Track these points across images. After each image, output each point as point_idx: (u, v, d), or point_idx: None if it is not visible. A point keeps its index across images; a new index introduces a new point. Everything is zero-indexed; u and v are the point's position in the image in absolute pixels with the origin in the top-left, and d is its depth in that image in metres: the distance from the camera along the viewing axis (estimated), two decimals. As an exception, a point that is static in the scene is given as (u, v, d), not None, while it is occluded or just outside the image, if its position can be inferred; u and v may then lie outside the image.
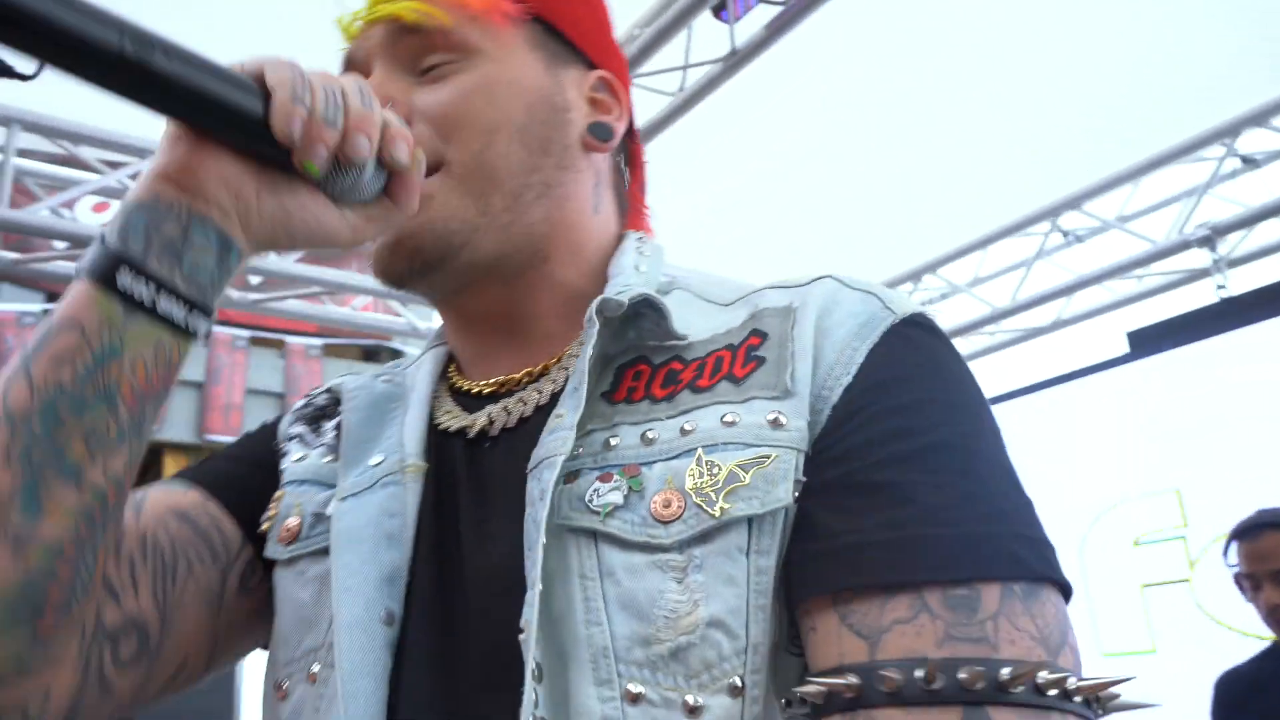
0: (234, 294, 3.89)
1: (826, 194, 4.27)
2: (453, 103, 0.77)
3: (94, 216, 5.48)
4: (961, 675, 0.54)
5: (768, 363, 0.69)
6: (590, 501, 0.66)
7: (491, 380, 0.81)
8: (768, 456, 0.64)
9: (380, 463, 0.77)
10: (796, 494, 0.63)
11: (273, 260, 3.74)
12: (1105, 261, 4.19)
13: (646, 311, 0.74)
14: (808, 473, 0.64)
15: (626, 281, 0.77)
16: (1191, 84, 3.69)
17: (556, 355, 0.80)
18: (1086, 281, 4.21)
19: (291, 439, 0.87)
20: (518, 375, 0.80)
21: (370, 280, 4.21)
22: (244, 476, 0.84)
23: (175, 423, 5.77)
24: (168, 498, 0.78)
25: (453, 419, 0.80)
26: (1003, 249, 4.66)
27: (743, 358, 0.70)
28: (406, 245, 0.76)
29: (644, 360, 0.74)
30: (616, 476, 0.67)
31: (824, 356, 0.68)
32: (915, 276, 4.90)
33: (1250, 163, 3.91)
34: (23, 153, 3.50)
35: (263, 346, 6.22)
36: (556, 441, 0.68)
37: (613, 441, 0.69)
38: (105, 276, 0.63)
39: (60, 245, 3.67)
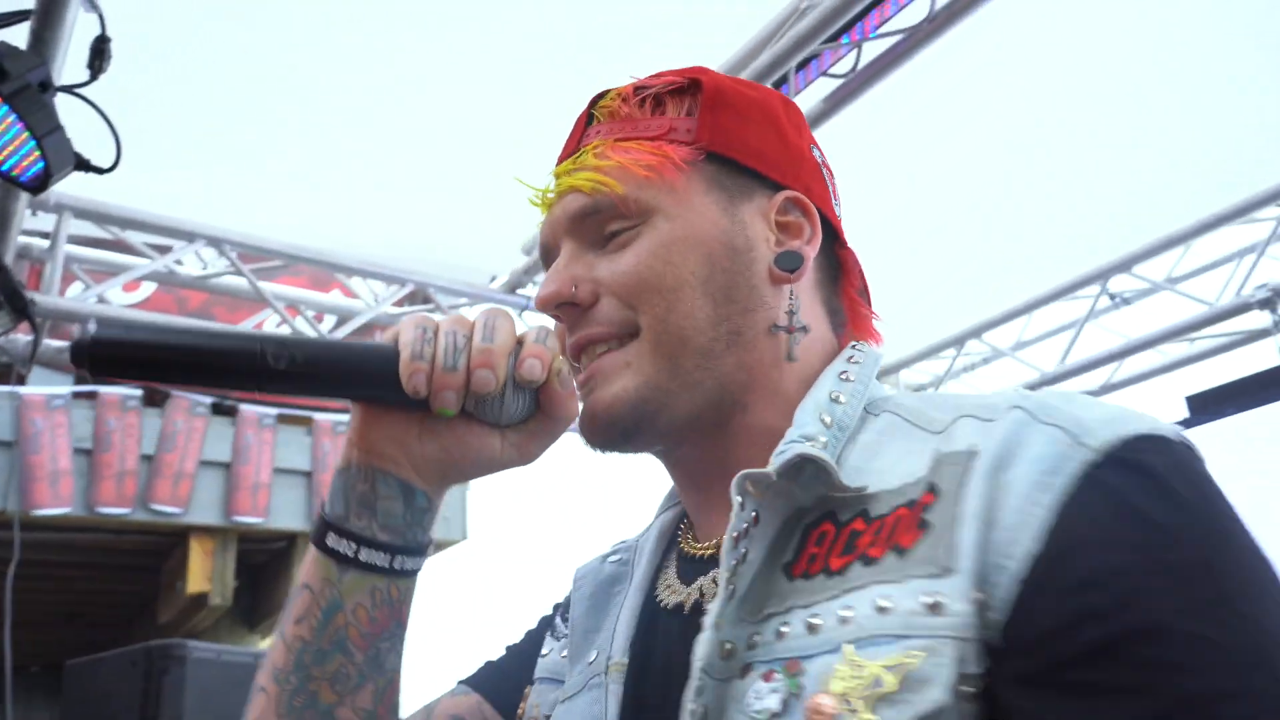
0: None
1: (868, 258, 4.23)
2: (633, 270, 0.76)
3: (125, 296, 5.46)
4: None
5: (934, 530, 0.61)
6: (750, 706, 0.62)
7: (710, 542, 0.78)
8: (917, 655, 0.56)
9: (594, 660, 0.77)
10: (970, 688, 0.55)
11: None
12: (1156, 325, 4.13)
13: (808, 468, 0.68)
14: (998, 660, 0.56)
15: (803, 431, 0.71)
16: (1241, 146, 3.66)
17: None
18: (1139, 345, 4.14)
19: (549, 631, 0.90)
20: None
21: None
22: (515, 672, 0.88)
23: (201, 504, 5.66)
24: (451, 704, 0.87)
25: (670, 593, 0.78)
26: (1048, 313, 4.60)
27: (913, 522, 0.62)
28: (603, 418, 0.76)
29: (831, 518, 0.68)
30: (778, 675, 0.62)
31: (1001, 517, 0.58)
32: (958, 342, 4.84)
33: (1302, 223, 3.87)
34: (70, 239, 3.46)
35: (290, 424, 6.13)
36: (702, 648, 0.64)
37: (783, 630, 0.63)
38: (320, 541, 0.74)
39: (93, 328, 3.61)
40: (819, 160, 0.86)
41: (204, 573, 5.66)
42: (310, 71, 3.19)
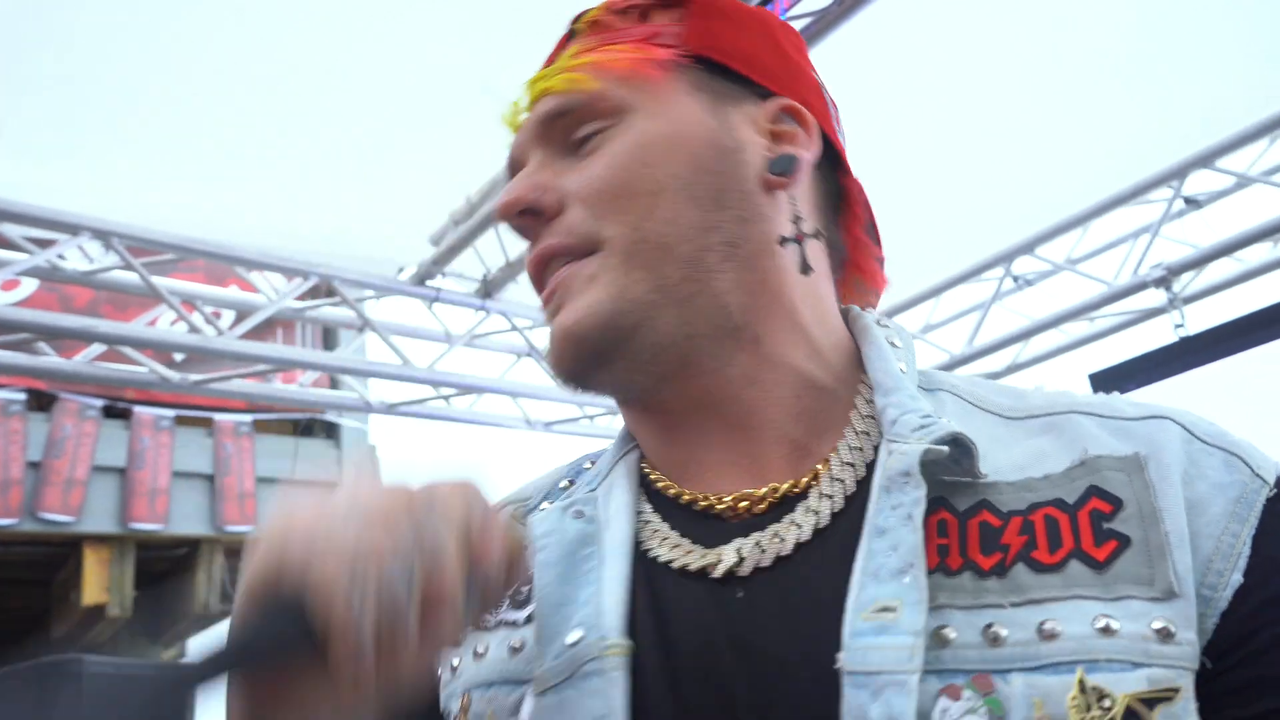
0: (172, 375, 3.64)
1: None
2: (604, 176, 0.66)
3: (3, 295, 5.15)
4: None
5: (1134, 545, 0.56)
6: None
7: (727, 496, 0.65)
8: (1176, 689, 0.52)
9: (577, 642, 0.60)
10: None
11: (216, 339, 3.51)
12: (1058, 306, 4.24)
13: (951, 449, 0.59)
14: (1201, 698, 0.53)
15: (908, 403, 0.63)
16: (1136, 130, 3.77)
17: (810, 470, 0.64)
18: (1042, 325, 4.24)
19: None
20: (760, 492, 0.64)
21: (314, 355, 4.02)
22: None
23: (96, 512, 5.40)
24: None
25: (681, 554, 0.64)
26: (955, 296, 4.69)
27: (1091, 530, 0.57)
28: (570, 338, 0.65)
29: (945, 505, 0.59)
30: (967, 692, 0.52)
31: (1200, 543, 0.56)
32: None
33: (1193, 203, 4.01)
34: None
35: (189, 426, 5.89)
36: (898, 651, 0.52)
37: (947, 633, 0.54)
38: None
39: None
40: (819, 82, 0.77)
41: (100, 583, 5.40)
42: (202, 53, 3.03)
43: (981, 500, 0.59)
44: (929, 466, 0.58)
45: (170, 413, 5.78)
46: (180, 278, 4.23)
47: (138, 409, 5.69)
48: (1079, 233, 4.25)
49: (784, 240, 0.68)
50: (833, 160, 0.75)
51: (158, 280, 3.49)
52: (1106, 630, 0.53)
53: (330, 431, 6.46)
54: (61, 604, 5.95)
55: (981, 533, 0.58)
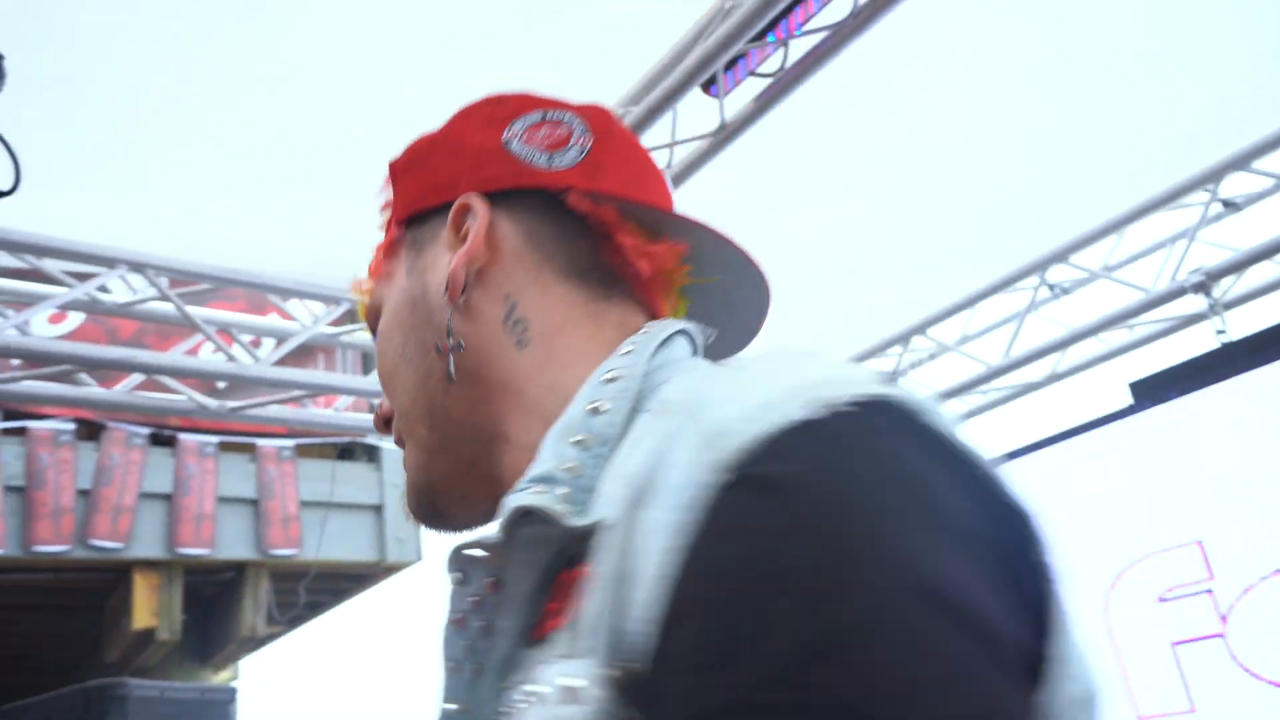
0: (211, 403, 3.71)
1: (808, 260, 4.22)
2: (384, 386, 0.75)
3: (51, 328, 5.29)
4: None
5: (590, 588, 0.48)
6: None
7: None
8: None
9: None
10: None
11: (252, 366, 3.57)
12: (1096, 314, 4.16)
13: (533, 516, 0.55)
14: None
15: (541, 469, 0.57)
16: (1169, 133, 3.71)
17: None
18: (1080, 334, 4.17)
19: None
20: None
21: (350, 380, 4.06)
22: None
23: (144, 538, 5.51)
24: None
25: None
26: (991, 306, 4.63)
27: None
28: (413, 512, 0.74)
29: (584, 561, 0.51)
30: None
31: (638, 570, 0.45)
32: (904, 339, 4.85)
33: (1231, 206, 3.93)
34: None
35: (233, 452, 5.99)
36: None
37: (514, 701, 0.54)
38: None
39: (15, 363, 3.49)
40: (516, 132, 0.74)
41: (150, 608, 5.50)
42: (231, 87, 3.10)
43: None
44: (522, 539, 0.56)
45: (214, 439, 5.88)
46: (221, 307, 4.31)
47: (182, 436, 5.80)
48: (1115, 239, 4.18)
49: (437, 351, 0.70)
50: (553, 194, 0.72)
51: (195, 310, 3.57)
52: (570, 691, 0.47)
53: (371, 455, 6.53)
54: (113, 629, 6.07)
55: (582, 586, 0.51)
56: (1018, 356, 4.40)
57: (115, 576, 5.82)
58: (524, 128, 0.74)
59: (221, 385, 5.01)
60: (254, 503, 5.91)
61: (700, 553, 0.42)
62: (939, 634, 0.39)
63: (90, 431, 5.60)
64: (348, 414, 4.21)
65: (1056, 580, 0.47)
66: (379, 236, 0.78)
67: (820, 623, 0.39)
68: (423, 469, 0.70)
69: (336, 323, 4.06)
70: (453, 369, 0.68)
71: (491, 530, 0.58)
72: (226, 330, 3.80)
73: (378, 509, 6.35)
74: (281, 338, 3.92)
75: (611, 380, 0.62)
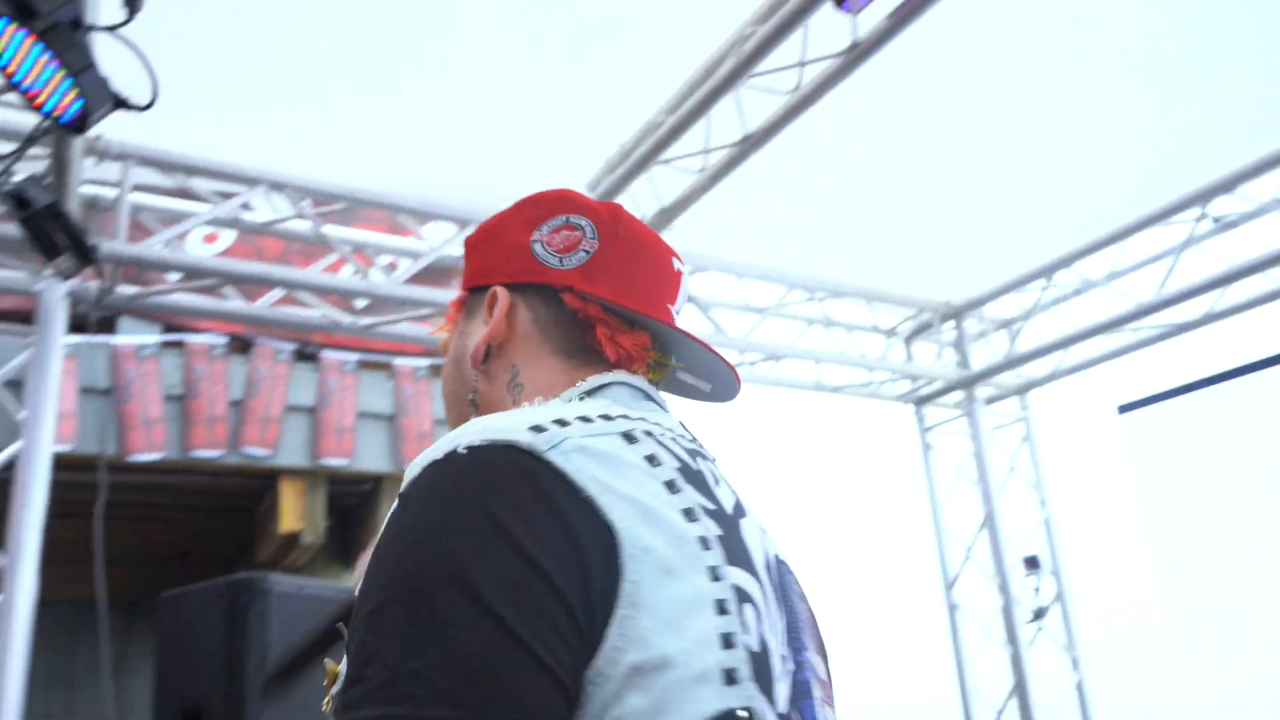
0: (344, 319, 3.85)
1: (942, 188, 4.02)
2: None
3: (205, 247, 5.58)
4: None
5: None
6: None
7: None
8: None
9: None
10: None
11: (382, 283, 3.68)
12: (1263, 249, 3.85)
13: None
14: None
15: None
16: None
17: None
18: (1244, 271, 3.87)
19: None
20: None
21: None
22: None
23: (290, 448, 5.81)
24: None
25: None
26: (1144, 239, 4.34)
27: None
28: None
29: None
30: None
31: None
32: (1047, 273, 4.61)
33: None
34: (137, 187, 3.52)
35: (372, 370, 6.23)
36: None
37: None
38: None
39: (174, 277, 3.69)
40: (541, 235, 1.01)
41: (296, 512, 5.83)
42: (372, 6, 3.14)
43: None
44: None
45: (354, 357, 6.12)
46: (366, 228, 4.45)
47: (325, 353, 6.06)
48: (1288, 168, 3.83)
49: (500, 392, 0.99)
50: (555, 290, 0.99)
51: (336, 230, 3.69)
52: None
53: (502, 376, 6.68)
54: (263, 531, 6.47)
55: None
56: (1171, 293, 4.13)
57: (265, 483, 6.17)
58: (549, 231, 1.01)
59: (360, 304, 5.20)
60: (391, 418, 6.14)
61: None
62: (451, 607, 0.65)
63: (241, 346, 5.91)
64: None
65: (623, 578, 0.69)
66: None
67: (377, 591, 0.69)
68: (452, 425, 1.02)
69: (466, 245, 4.13)
70: (475, 415, 0.98)
71: None
72: (363, 250, 3.91)
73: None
74: (413, 256, 4.02)
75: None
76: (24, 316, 3.67)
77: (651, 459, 0.80)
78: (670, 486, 0.78)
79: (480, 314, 1.00)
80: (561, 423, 0.77)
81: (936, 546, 5.29)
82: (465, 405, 1.00)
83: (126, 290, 3.55)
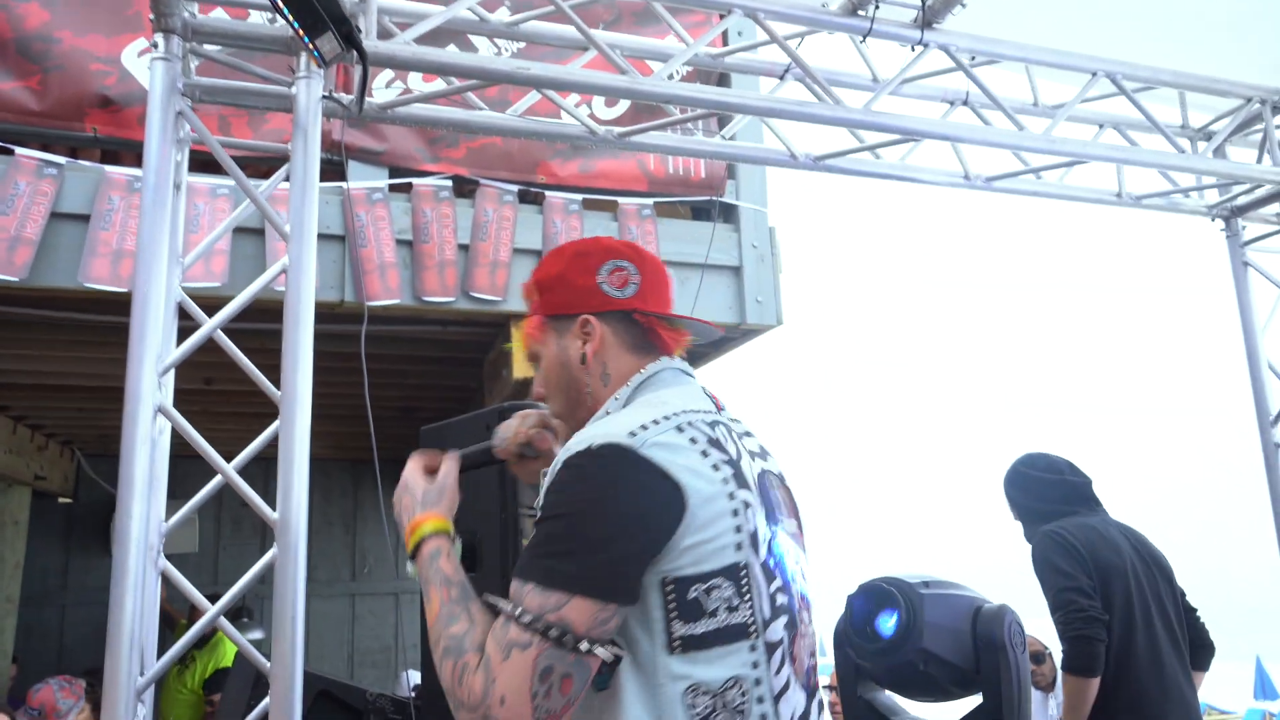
0: (600, 128, 3.48)
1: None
2: (543, 386, 1.92)
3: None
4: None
5: None
6: None
7: None
8: None
9: None
10: None
11: (642, 82, 3.27)
12: None
13: None
14: None
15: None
16: None
17: None
18: None
19: None
20: None
21: (745, 95, 3.69)
22: None
23: (519, 292, 5.60)
24: None
25: None
26: None
27: None
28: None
29: None
30: None
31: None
32: None
33: None
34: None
35: (596, 210, 5.93)
36: None
37: None
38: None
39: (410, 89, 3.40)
40: (603, 277, 1.85)
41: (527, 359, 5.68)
42: None
43: None
44: None
45: (578, 197, 5.83)
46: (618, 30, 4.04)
47: (549, 194, 5.79)
48: None
49: (585, 393, 1.86)
50: (625, 311, 1.86)
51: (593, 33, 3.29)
52: None
53: (728, 214, 6.26)
54: (494, 379, 6.40)
55: None
56: None
57: (492, 331, 6.05)
58: (607, 274, 1.84)
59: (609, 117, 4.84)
60: (618, 261, 5.84)
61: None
62: (595, 519, 1.53)
63: (464, 189, 5.70)
64: (731, 144, 3.86)
65: (686, 508, 1.55)
66: (530, 316, 1.93)
67: (561, 508, 1.58)
68: (567, 428, 1.91)
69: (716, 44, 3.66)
70: (590, 398, 1.84)
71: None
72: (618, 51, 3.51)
73: (736, 270, 6.13)
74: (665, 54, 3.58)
75: (617, 399, 1.81)
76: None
77: (693, 440, 1.60)
78: (704, 454, 1.59)
79: (571, 332, 1.82)
80: (643, 427, 1.58)
81: (1252, 380, 4.60)
82: (578, 393, 1.83)
83: (378, 100, 3.29)
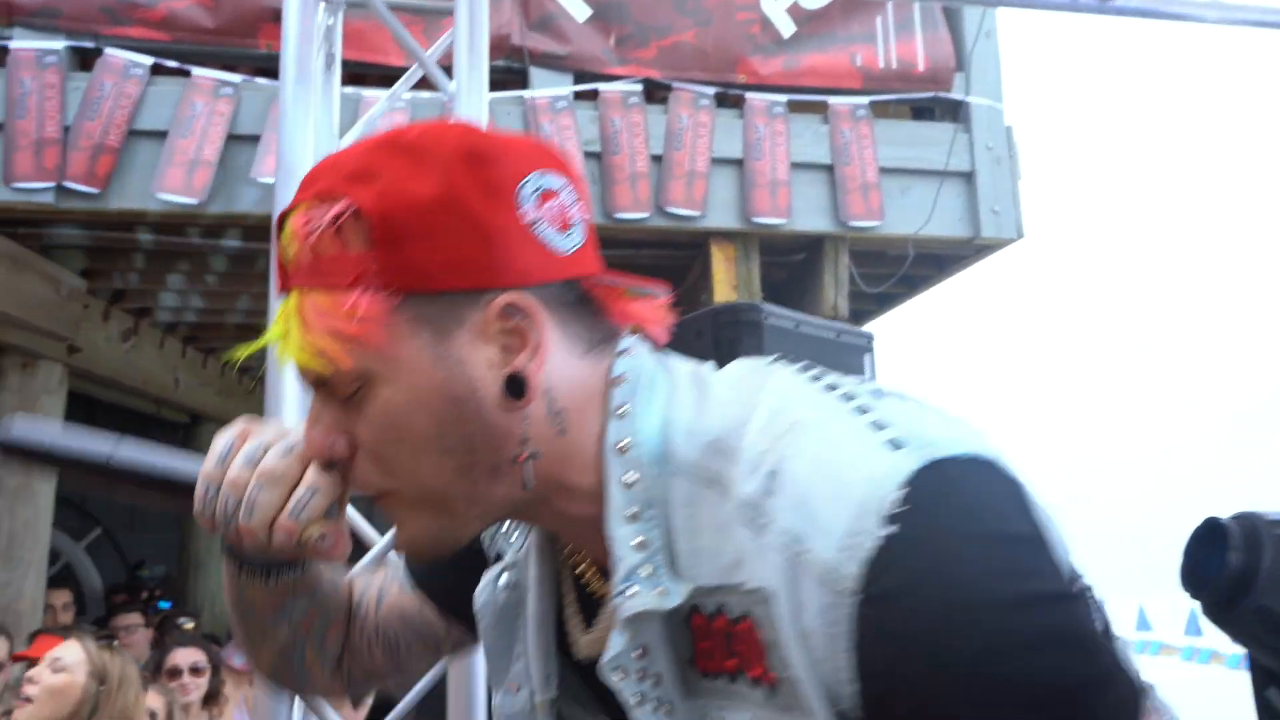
0: None
1: None
2: (372, 442, 0.78)
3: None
4: None
5: (782, 684, 0.68)
6: None
7: (601, 585, 0.86)
8: None
9: (519, 692, 0.90)
10: None
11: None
12: None
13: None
14: None
15: (628, 567, 0.75)
16: None
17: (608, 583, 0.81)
18: None
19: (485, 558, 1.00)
20: (607, 589, 0.83)
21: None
22: (449, 585, 1.03)
23: (718, 206, 5.05)
24: (396, 600, 1.07)
25: (575, 639, 0.87)
26: None
27: (764, 659, 0.69)
28: (415, 555, 0.86)
29: (699, 609, 0.74)
30: None
31: (820, 667, 0.66)
32: None
33: None
34: None
35: (803, 112, 5.24)
36: None
37: None
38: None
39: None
40: (530, 207, 0.77)
41: (728, 280, 5.10)
42: None
43: (719, 605, 0.71)
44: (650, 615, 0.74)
45: (782, 98, 5.16)
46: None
47: (749, 96, 5.15)
48: None
49: (513, 463, 0.78)
50: (569, 282, 0.80)
51: None
52: None
53: (955, 114, 5.42)
54: (691, 305, 5.87)
55: (724, 638, 0.71)
56: None
57: (690, 253, 5.50)
58: (534, 204, 0.78)
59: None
60: (829, 169, 5.16)
61: (866, 657, 0.64)
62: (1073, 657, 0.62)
63: (654, 95, 5.14)
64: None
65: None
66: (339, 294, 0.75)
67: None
68: (446, 531, 0.81)
69: None
70: (530, 478, 0.78)
71: (614, 653, 0.75)
72: None
73: (968, 176, 5.30)
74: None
75: (624, 450, 0.77)
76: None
77: None
78: None
79: (465, 328, 0.76)
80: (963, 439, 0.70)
81: None
82: (486, 462, 0.78)
83: None
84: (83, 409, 7.08)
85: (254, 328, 6.61)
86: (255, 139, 4.50)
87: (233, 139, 4.51)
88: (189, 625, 5.69)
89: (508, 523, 0.96)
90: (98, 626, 4.71)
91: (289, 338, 0.77)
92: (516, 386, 0.76)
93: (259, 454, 0.82)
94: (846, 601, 0.63)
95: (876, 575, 0.63)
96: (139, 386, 6.39)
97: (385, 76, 4.52)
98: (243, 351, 0.86)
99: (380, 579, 1.11)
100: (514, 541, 0.95)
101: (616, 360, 0.80)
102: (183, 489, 0.87)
